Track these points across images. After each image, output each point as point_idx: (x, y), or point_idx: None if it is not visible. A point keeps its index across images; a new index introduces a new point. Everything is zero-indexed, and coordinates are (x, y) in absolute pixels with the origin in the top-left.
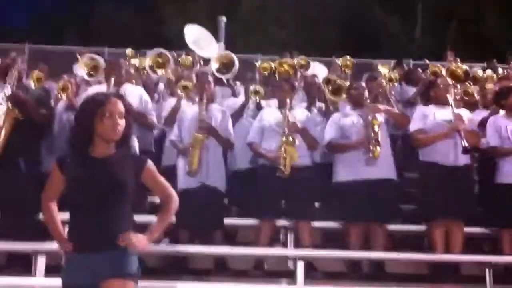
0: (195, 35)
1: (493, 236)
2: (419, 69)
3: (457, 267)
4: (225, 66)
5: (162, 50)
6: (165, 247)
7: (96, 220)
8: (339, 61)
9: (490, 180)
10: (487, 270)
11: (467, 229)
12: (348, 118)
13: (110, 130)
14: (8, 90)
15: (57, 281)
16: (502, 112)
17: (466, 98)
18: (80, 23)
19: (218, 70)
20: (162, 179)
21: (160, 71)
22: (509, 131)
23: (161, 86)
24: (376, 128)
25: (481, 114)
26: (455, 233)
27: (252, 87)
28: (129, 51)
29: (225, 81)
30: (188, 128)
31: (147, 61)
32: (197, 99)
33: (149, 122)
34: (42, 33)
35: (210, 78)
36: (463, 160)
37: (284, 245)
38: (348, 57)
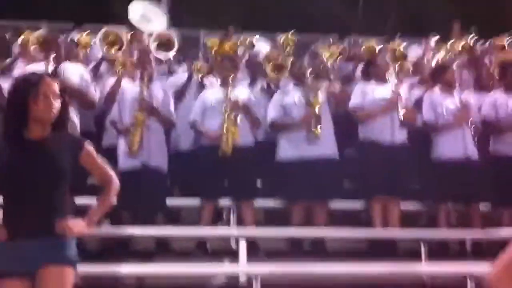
0: (141, 11)
1: (428, 212)
2: (359, 46)
3: (394, 242)
4: (164, 44)
5: (113, 28)
6: (106, 229)
7: (32, 206)
8: (282, 37)
9: (425, 156)
10: (422, 245)
11: (404, 205)
12: (290, 96)
13: (45, 111)
14: None
15: None
16: (435, 88)
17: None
18: None
19: (156, 48)
20: (101, 161)
21: (111, 50)
22: (444, 107)
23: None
24: (317, 107)
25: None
26: (392, 210)
27: (195, 64)
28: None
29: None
30: (128, 108)
31: (98, 38)
32: (137, 78)
33: (90, 101)
34: None
35: (151, 56)
36: (400, 137)
37: (227, 224)
38: (290, 34)
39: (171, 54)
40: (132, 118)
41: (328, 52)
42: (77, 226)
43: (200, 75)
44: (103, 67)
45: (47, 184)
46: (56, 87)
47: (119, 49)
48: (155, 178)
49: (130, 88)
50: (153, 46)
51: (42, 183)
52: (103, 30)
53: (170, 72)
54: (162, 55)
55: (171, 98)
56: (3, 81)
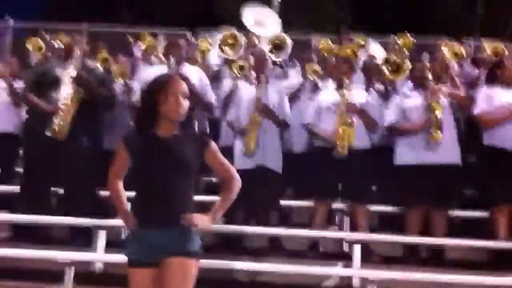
0: (254, 16)
1: None
2: (483, 49)
3: None
4: (277, 47)
5: (234, 31)
6: (222, 227)
7: (161, 197)
8: (399, 40)
9: None
10: None
11: None
12: (410, 99)
13: (174, 110)
14: (73, 71)
15: (117, 256)
16: None
17: None
18: (132, 2)
19: (270, 51)
20: (224, 159)
21: (229, 52)
22: None
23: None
24: (438, 112)
25: None
26: None
27: (309, 66)
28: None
29: (276, 62)
30: (245, 109)
31: (218, 40)
32: (254, 80)
33: (209, 103)
34: (95, 12)
35: (268, 59)
36: None
37: (339, 227)
38: (408, 35)
39: (284, 56)
40: (249, 119)
41: (451, 53)
42: (201, 220)
43: (314, 77)
44: (222, 70)
45: (175, 178)
46: (184, 86)
47: (237, 51)
48: (269, 179)
49: (247, 90)
50: (267, 49)
51: (171, 177)
52: (224, 32)
53: (285, 75)
54: (275, 57)
55: (286, 100)
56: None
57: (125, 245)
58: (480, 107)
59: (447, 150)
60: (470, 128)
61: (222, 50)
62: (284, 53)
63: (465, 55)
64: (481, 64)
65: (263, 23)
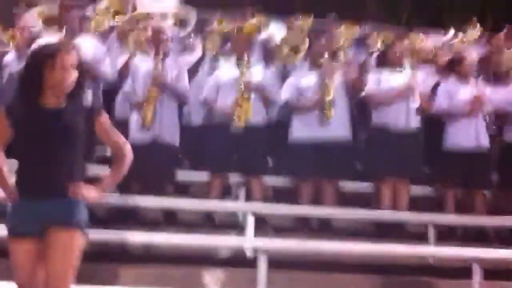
0: None
1: (437, 196)
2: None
3: (402, 224)
4: (181, 22)
5: None
6: (116, 199)
7: (46, 168)
8: (299, 21)
9: (437, 142)
10: (430, 228)
11: (413, 189)
12: (305, 78)
13: (61, 81)
14: None
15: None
16: (451, 77)
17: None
18: None
19: (173, 24)
20: (116, 131)
21: (117, 17)
22: (459, 96)
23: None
24: (331, 90)
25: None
26: (401, 192)
27: (208, 41)
28: None
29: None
30: (142, 82)
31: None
32: (152, 53)
33: (103, 73)
34: None
35: (166, 32)
36: (414, 123)
37: (236, 199)
38: (308, 18)
39: (187, 31)
40: (146, 92)
41: (345, 34)
42: (89, 191)
43: (214, 52)
44: (115, 38)
45: (61, 147)
46: (73, 57)
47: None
48: (166, 152)
49: (144, 63)
50: (168, 23)
51: (55, 147)
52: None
53: (187, 49)
54: (177, 32)
55: (185, 73)
56: None
57: (7, 217)
58: (369, 87)
59: (338, 127)
60: (362, 107)
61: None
62: (187, 28)
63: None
64: (371, 47)
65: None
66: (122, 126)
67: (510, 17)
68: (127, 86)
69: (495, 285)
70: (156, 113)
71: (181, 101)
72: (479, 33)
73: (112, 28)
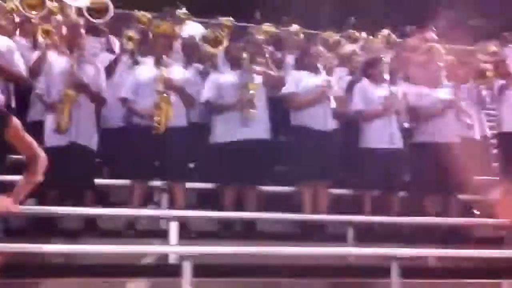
0: None
1: (355, 197)
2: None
3: (322, 226)
4: (98, 11)
5: None
6: (33, 208)
7: None
8: (219, 21)
9: (354, 144)
10: (349, 229)
11: (332, 191)
12: (226, 77)
13: None
14: None
15: None
16: (366, 79)
17: None
18: None
19: (89, 14)
20: (28, 137)
21: (32, 12)
22: (376, 96)
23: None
24: (251, 90)
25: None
26: (321, 195)
27: (125, 34)
28: None
29: (100, 34)
30: (57, 82)
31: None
32: (66, 51)
33: (18, 75)
34: None
35: (82, 30)
36: (332, 125)
37: (158, 205)
38: (229, 18)
39: (106, 19)
40: (61, 94)
41: (264, 35)
42: (3, 203)
43: (131, 47)
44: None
45: None
46: None
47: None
48: (83, 157)
49: (59, 61)
50: (85, 12)
51: None
52: None
53: (108, 49)
54: (95, 20)
55: (102, 73)
56: None
57: None
58: (288, 88)
59: (259, 127)
60: (282, 108)
61: (23, 9)
62: (105, 16)
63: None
64: (288, 48)
65: None
66: (36, 129)
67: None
68: (39, 87)
69: (412, 283)
70: (72, 115)
71: (99, 103)
72: (390, 37)
73: (21, 23)
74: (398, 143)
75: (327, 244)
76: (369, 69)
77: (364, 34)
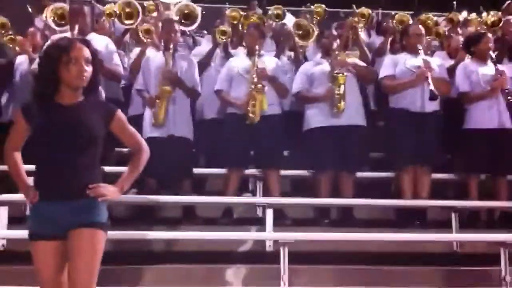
0: None
1: (458, 182)
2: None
3: (424, 212)
4: (187, 17)
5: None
6: (134, 197)
7: (64, 169)
8: (313, 8)
9: (458, 126)
10: (453, 214)
11: (434, 175)
12: (318, 66)
13: (76, 76)
14: None
15: (21, 232)
16: (468, 59)
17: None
18: None
19: (179, 21)
20: (132, 129)
21: (128, 22)
22: (480, 75)
23: (128, 36)
24: (341, 83)
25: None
26: (422, 179)
27: (218, 29)
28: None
29: (186, 32)
30: (154, 77)
31: (115, 10)
32: (161, 47)
33: (115, 73)
34: None
35: (176, 26)
36: (431, 106)
37: (253, 193)
38: (321, 5)
39: (194, 26)
40: (158, 89)
41: (358, 17)
42: (108, 191)
43: (224, 40)
44: (128, 37)
45: (78, 147)
46: (87, 52)
47: (137, 20)
48: (181, 148)
49: (155, 57)
50: (176, 18)
51: (74, 147)
52: (119, 2)
53: (195, 44)
54: (185, 28)
55: (195, 68)
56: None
57: (28, 220)
58: (384, 73)
59: (352, 115)
60: (378, 93)
61: (120, 21)
62: (194, 23)
63: (370, 22)
64: (387, 33)
65: None
66: (136, 123)
67: None
68: (138, 82)
69: None
70: (169, 109)
71: (193, 96)
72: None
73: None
74: (506, 123)
75: (428, 231)
76: (472, 47)
77: (464, 14)
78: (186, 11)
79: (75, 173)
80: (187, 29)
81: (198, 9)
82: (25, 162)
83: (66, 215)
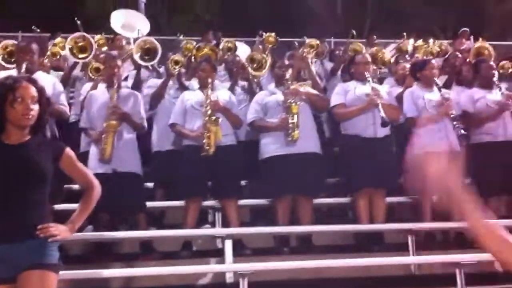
0: (122, 20)
1: (413, 204)
2: (340, 47)
3: (381, 236)
4: (147, 52)
5: (83, 33)
6: (90, 234)
7: (12, 209)
8: (263, 37)
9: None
10: (409, 237)
11: (389, 199)
12: (272, 96)
13: (22, 115)
14: None
15: None
16: (415, 85)
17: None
18: None
19: (140, 57)
20: (82, 165)
21: (81, 55)
22: (426, 101)
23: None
24: (295, 112)
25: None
26: (377, 203)
27: (171, 59)
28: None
29: (149, 66)
30: (99, 114)
31: (67, 45)
32: (104, 83)
33: (61, 112)
34: None
35: (119, 62)
36: (382, 132)
37: (213, 224)
38: (272, 34)
39: (156, 60)
40: (104, 124)
41: (308, 48)
42: (58, 230)
43: (177, 70)
44: (78, 72)
45: (26, 186)
46: (33, 90)
47: (89, 54)
48: (129, 183)
49: (99, 93)
50: (136, 56)
51: (22, 187)
52: (72, 36)
53: (159, 77)
54: (146, 63)
55: (141, 102)
56: None
57: None
58: (335, 101)
59: (307, 143)
60: (332, 120)
61: (73, 54)
62: (155, 57)
63: (320, 50)
64: (338, 60)
65: (133, 26)
66: (86, 159)
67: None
68: (82, 121)
69: None
70: (114, 145)
71: (139, 131)
72: (440, 43)
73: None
74: (455, 146)
75: (386, 255)
76: (418, 73)
77: (411, 41)
78: (146, 46)
79: (24, 213)
80: (149, 64)
81: (156, 43)
82: None
83: (15, 257)
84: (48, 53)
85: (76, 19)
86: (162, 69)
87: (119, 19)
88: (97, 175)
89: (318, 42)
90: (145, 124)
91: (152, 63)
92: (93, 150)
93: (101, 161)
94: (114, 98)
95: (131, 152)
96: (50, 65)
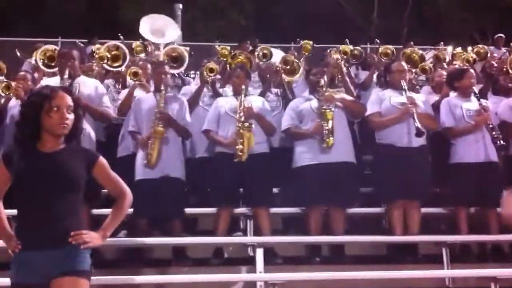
0: (151, 25)
1: (449, 216)
2: (373, 54)
3: (415, 247)
4: (175, 60)
5: (118, 43)
6: (123, 240)
7: (46, 217)
8: (301, 44)
9: (444, 160)
10: (443, 249)
11: (424, 210)
12: (307, 103)
13: (58, 124)
14: None
15: (4, 280)
16: (453, 94)
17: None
18: (32, 13)
19: (167, 64)
20: (114, 174)
21: (115, 64)
22: (464, 110)
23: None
24: (330, 119)
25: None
26: (412, 214)
27: (206, 67)
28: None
29: (175, 74)
30: (145, 118)
31: (102, 53)
32: (152, 89)
33: (105, 115)
34: None
35: (167, 68)
36: (418, 141)
37: (244, 232)
38: (310, 42)
39: (182, 68)
40: (151, 130)
41: (339, 54)
42: (90, 238)
43: (211, 78)
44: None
45: (59, 194)
46: (69, 100)
47: (123, 62)
48: (174, 188)
49: (146, 99)
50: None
51: (55, 194)
52: (107, 44)
53: (184, 84)
54: (173, 70)
55: (186, 108)
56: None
57: (10, 269)
58: (370, 110)
59: (341, 151)
60: (364, 127)
61: (108, 64)
62: (182, 65)
63: (355, 56)
64: (373, 67)
65: (162, 31)
66: (126, 163)
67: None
68: (130, 123)
69: None
70: (161, 150)
71: (185, 136)
72: (480, 50)
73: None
74: (493, 157)
75: (420, 267)
76: (455, 83)
77: (450, 49)
78: (173, 54)
79: (57, 221)
80: (175, 71)
81: (184, 51)
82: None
83: (48, 264)
84: (97, 56)
85: (119, 34)
86: (188, 78)
87: (148, 24)
88: (142, 180)
89: (351, 47)
90: (190, 130)
91: (178, 71)
92: (139, 155)
93: (147, 167)
94: (162, 103)
95: (177, 158)
96: (99, 70)
